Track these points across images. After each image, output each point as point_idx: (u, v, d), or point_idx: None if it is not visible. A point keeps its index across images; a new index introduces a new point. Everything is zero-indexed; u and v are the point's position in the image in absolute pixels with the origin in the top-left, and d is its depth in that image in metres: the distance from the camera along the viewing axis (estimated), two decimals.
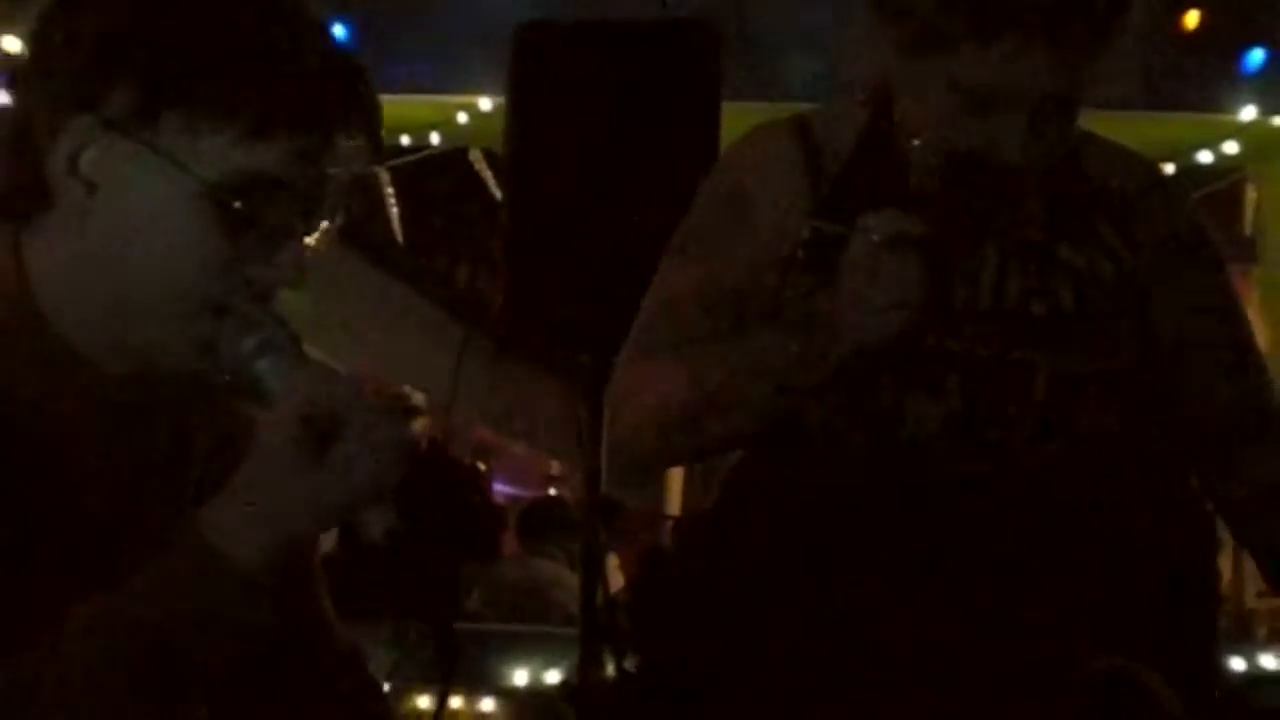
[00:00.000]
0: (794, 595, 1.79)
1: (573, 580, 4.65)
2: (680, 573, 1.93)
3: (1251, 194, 5.88)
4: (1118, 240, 1.86)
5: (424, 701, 3.90)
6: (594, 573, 3.40)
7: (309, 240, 1.31)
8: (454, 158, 5.54)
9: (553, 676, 4.49)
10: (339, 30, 5.34)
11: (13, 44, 5.63)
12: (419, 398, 4.54)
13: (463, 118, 5.34)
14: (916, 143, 1.74)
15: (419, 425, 4.50)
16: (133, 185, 1.25)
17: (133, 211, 1.26)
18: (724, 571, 1.84)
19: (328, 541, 1.64)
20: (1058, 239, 1.83)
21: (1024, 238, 1.82)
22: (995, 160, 1.72)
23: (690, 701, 1.83)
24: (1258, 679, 4.71)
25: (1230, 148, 5.62)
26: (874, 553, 1.77)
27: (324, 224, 1.33)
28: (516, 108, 3.38)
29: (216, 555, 1.18)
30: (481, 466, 9.25)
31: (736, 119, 3.60)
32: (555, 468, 12.42)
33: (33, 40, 1.30)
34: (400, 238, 6.32)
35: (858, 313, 1.66)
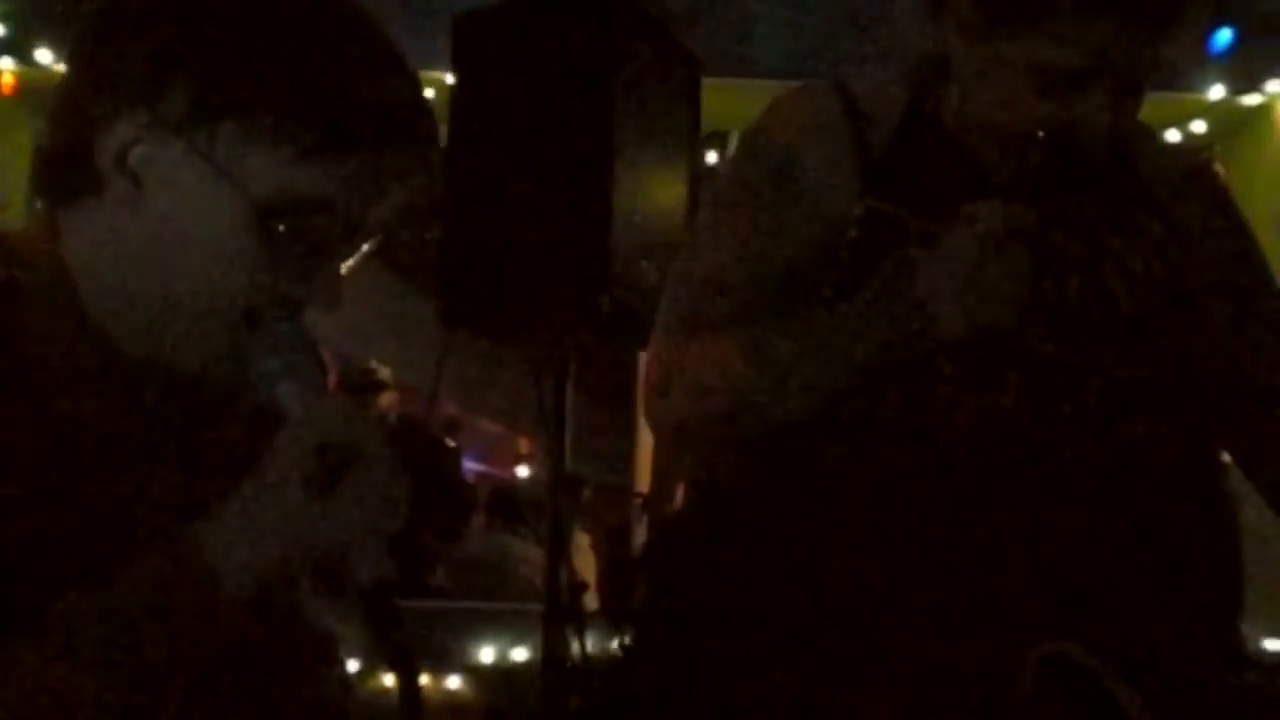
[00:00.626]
0: (815, 573, 1.72)
1: (537, 555, 4.64)
2: (696, 541, 1.85)
3: (1220, 172, 5.89)
4: (1165, 235, 1.81)
5: (390, 680, 3.89)
6: (559, 549, 3.40)
7: (348, 262, 1.31)
8: None
9: (520, 654, 4.48)
10: None
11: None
12: (385, 372, 4.56)
13: (430, 94, 5.31)
14: (1041, 134, 1.69)
15: (386, 399, 4.51)
16: (179, 188, 1.24)
17: (177, 214, 1.25)
18: (743, 545, 1.76)
19: None
20: (1110, 234, 1.79)
21: (1081, 228, 1.78)
22: (1078, 143, 1.68)
23: (699, 675, 1.75)
24: None
25: (1198, 126, 5.64)
26: (904, 540, 1.70)
27: (365, 247, 1.32)
28: (457, 94, 3.42)
29: (205, 568, 1.17)
30: (450, 443, 9.24)
31: (711, 97, 3.64)
32: (524, 445, 12.40)
33: (99, 19, 1.28)
34: None
35: (960, 303, 1.61)
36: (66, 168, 1.27)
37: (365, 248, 1.31)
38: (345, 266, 1.31)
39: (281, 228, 1.24)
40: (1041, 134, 1.68)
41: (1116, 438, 1.73)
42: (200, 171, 1.23)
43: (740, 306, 1.75)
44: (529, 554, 5.49)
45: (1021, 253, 1.61)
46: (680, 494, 5.39)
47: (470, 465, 11.56)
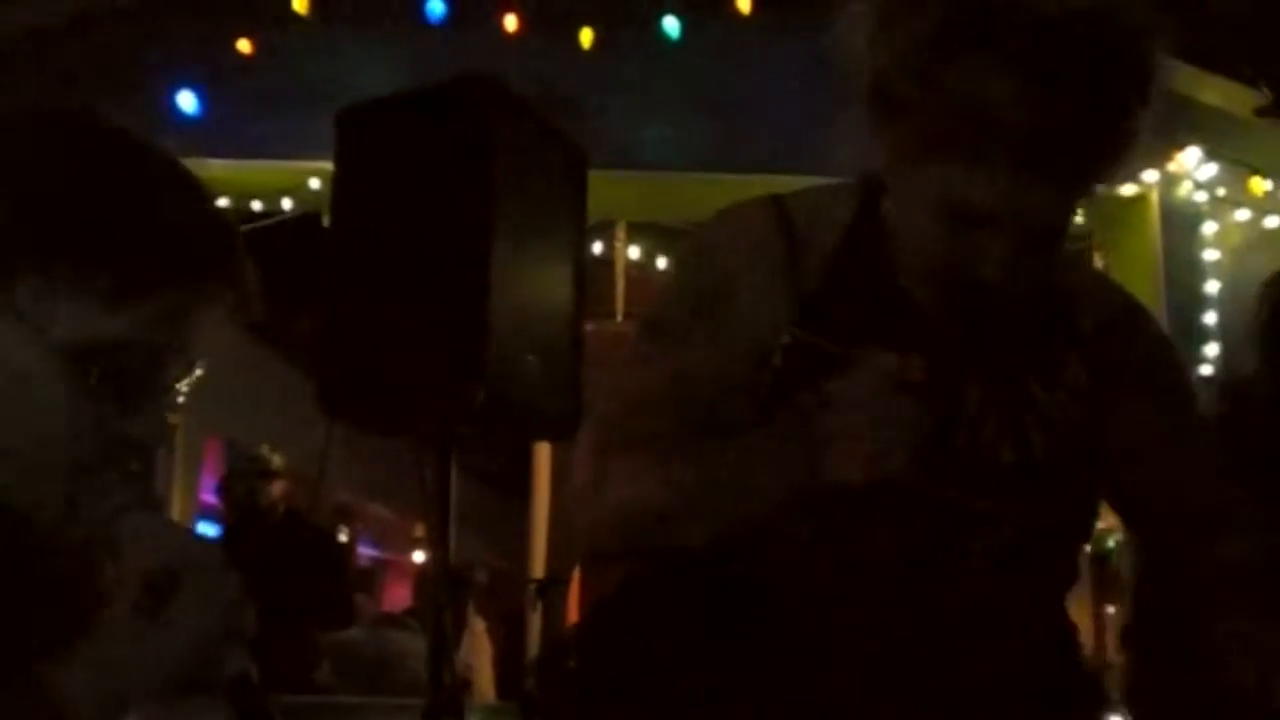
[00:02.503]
0: (718, 698, 1.71)
1: (424, 649, 4.59)
2: (591, 663, 1.86)
3: (1097, 261, 6.00)
4: (1084, 376, 1.81)
5: None
6: (443, 641, 3.37)
7: (179, 386, 1.31)
8: (306, 222, 5.51)
9: None
10: (189, 98, 5.31)
11: None
12: (277, 460, 4.52)
13: (315, 182, 5.32)
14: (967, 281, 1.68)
15: (277, 488, 4.46)
16: None
17: None
18: (641, 668, 1.75)
19: None
20: (1029, 375, 1.79)
21: (1001, 373, 1.78)
22: (974, 280, 1.66)
23: None
24: None
25: (1076, 217, 5.73)
26: (813, 661, 1.72)
27: (190, 376, 1.32)
28: (338, 185, 3.43)
29: (54, 709, 1.17)
30: (344, 529, 9.15)
31: (596, 187, 3.67)
32: (420, 529, 12.30)
33: None
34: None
35: (848, 451, 1.59)
36: None
37: (191, 375, 1.32)
38: (172, 395, 1.31)
39: (95, 372, 1.24)
40: (942, 270, 1.69)
41: (1022, 582, 1.77)
42: (7, 329, 1.23)
43: (662, 428, 1.75)
44: (415, 647, 5.43)
45: (911, 404, 1.58)
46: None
47: (366, 550, 11.44)
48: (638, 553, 1.81)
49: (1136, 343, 1.87)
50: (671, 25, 5.41)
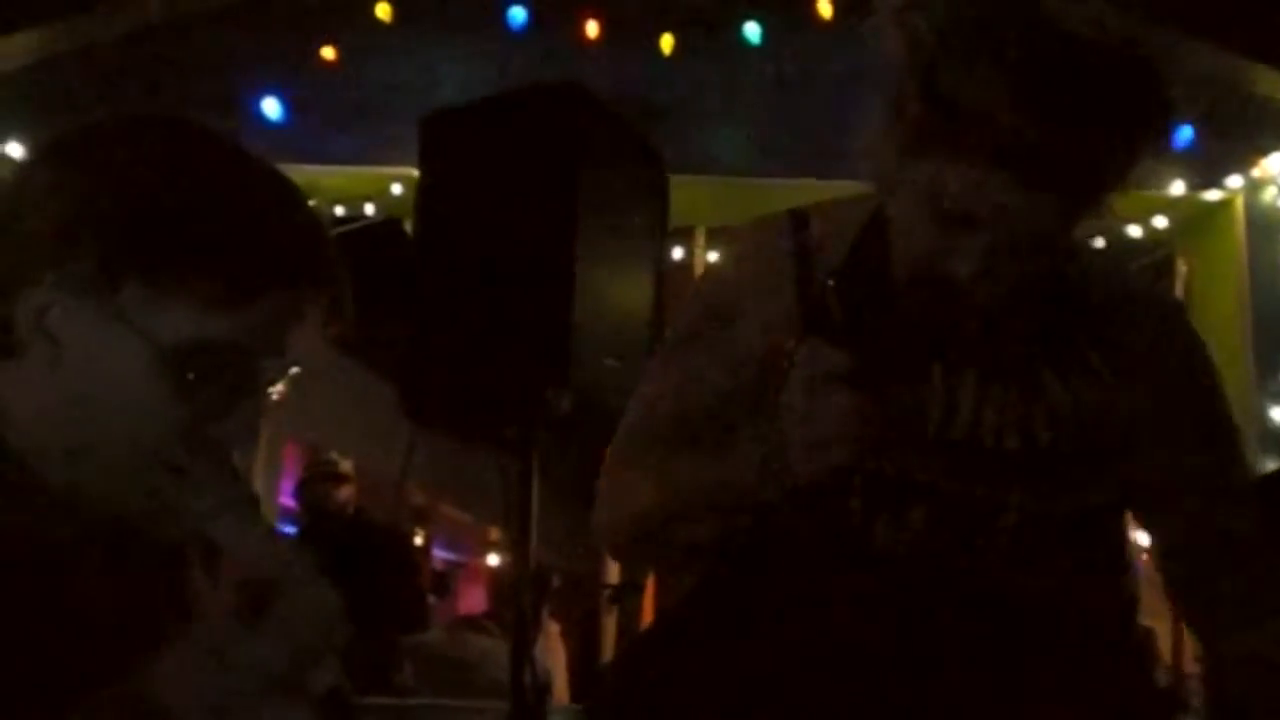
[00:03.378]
0: (762, 701, 1.75)
1: (503, 652, 4.61)
2: (650, 671, 1.88)
3: (1181, 267, 5.94)
4: (1105, 368, 1.81)
5: None
6: (525, 646, 3.38)
7: (271, 391, 1.34)
8: (388, 227, 5.55)
9: None
10: (273, 105, 5.36)
11: None
12: (346, 465, 4.54)
13: (397, 189, 5.35)
14: (830, 283, 1.73)
15: (345, 492, 4.50)
16: (94, 345, 1.28)
17: (94, 371, 1.28)
18: (692, 673, 1.80)
19: None
20: (1043, 365, 1.80)
21: (1007, 363, 1.79)
22: (946, 278, 1.68)
23: None
24: None
25: (1160, 222, 5.68)
26: (839, 660, 1.73)
27: (284, 378, 1.35)
28: (423, 192, 3.46)
29: (160, 710, 1.20)
30: (419, 532, 9.20)
31: (676, 192, 3.68)
32: (495, 533, 12.34)
33: (8, 193, 1.32)
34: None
35: (794, 448, 1.64)
36: None
37: (284, 379, 1.35)
38: (265, 398, 1.34)
39: (191, 375, 1.27)
40: (911, 268, 1.71)
41: (1034, 563, 1.77)
42: (112, 328, 1.27)
43: (666, 438, 1.84)
44: (495, 650, 5.45)
45: (842, 396, 1.61)
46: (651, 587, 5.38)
47: (440, 554, 11.49)
48: (650, 558, 1.98)
49: (1145, 328, 1.86)
50: (752, 30, 5.41)
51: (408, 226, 5.35)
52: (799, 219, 1.87)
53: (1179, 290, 5.98)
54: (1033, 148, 1.56)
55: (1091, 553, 1.83)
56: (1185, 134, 5.39)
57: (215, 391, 1.29)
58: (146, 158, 1.31)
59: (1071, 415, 1.78)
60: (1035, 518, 1.76)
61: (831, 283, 1.80)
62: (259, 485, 8.73)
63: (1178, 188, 5.52)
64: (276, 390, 1.36)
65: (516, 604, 3.43)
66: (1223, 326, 5.63)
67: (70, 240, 1.26)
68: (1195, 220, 5.70)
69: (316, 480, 6.64)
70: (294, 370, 1.35)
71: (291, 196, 1.35)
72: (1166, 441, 1.85)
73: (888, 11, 1.66)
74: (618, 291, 3.38)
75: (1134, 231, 5.73)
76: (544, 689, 3.29)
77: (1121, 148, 1.63)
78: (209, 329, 1.27)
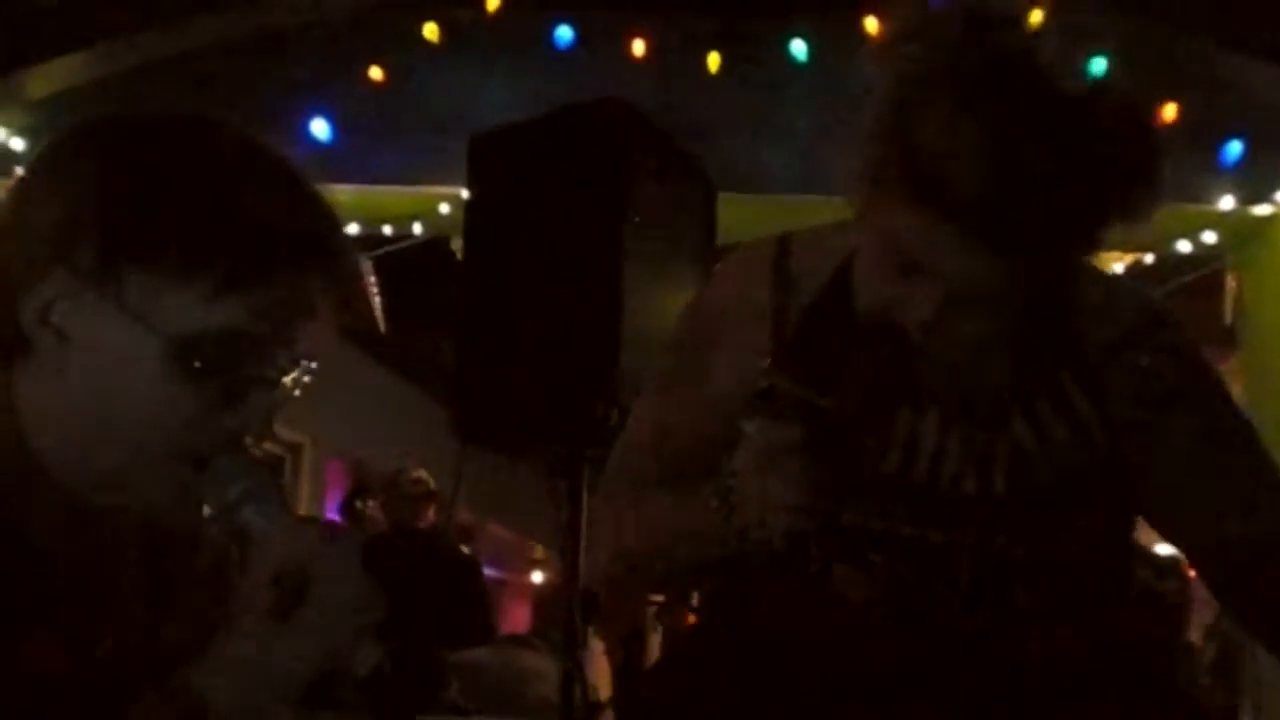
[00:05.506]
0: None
1: (552, 670, 4.61)
2: (661, 690, 1.90)
3: (1231, 283, 5.91)
4: (1085, 403, 1.77)
5: None
6: (573, 664, 3.38)
7: (286, 380, 1.33)
8: (435, 246, 5.57)
9: None
10: (321, 125, 5.39)
11: None
12: (431, 482, 4.50)
13: (445, 208, 5.38)
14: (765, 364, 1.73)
15: (432, 511, 4.50)
16: (101, 338, 1.28)
17: (102, 363, 1.28)
18: (697, 697, 1.81)
19: None
20: (1013, 407, 1.76)
21: (973, 407, 1.75)
22: (901, 326, 1.64)
23: None
24: None
25: (1209, 237, 5.66)
26: (814, 695, 1.74)
27: (297, 371, 1.34)
28: (472, 211, 3.47)
29: (207, 715, 1.21)
30: (464, 549, 9.23)
31: (723, 210, 3.68)
32: (539, 551, 12.36)
33: (10, 194, 1.33)
34: (383, 325, 6.35)
35: (746, 512, 1.66)
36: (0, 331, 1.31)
37: (299, 370, 1.35)
38: (282, 390, 1.34)
39: (198, 364, 1.27)
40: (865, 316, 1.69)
41: (995, 607, 1.74)
42: (116, 319, 1.27)
43: (646, 477, 1.85)
44: (541, 667, 5.45)
45: (791, 468, 1.61)
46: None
47: (485, 571, 11.52)
48: (639, 586, 1.94)
49: (1155, 357, 1.79)
50: (799, 48, 5.41)
51: (455, 246, 5.38)
52: (783, 248, 1.84)
53: (1228, 305, 5.96)
54: (990, 207, 1.50)
55: (1074, 590, 1.77)
56: (1235, 149, 5.37)
57: (226, 382, 1.29)
58: (145, 148, 1.31)
59: (1037, 461, 1.74)
60: (993, 563, 1.73)
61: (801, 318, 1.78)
62: (304, 502, 8.79)
63: (1227, 202, 5.48)
64: (292, 384, 1.35)
65: (566, 622, 3.43)
66: (1272, 341, 5.60)
67: (71, 234, 1.27)
68: (1245, 235, 5.67)
69: (404, 497, 6.64)
70: (311, 364, 1.36)
71: (296, 183, 1.34)
72: (1173, 458, 1.79)
73: (873, 44, 1.63)
74: (665, 309, 3.38)
75: (1183, 247, 5.70)
76: (595, 707, 3.28)
77: (1091, 216, 1.57)
78: (215, 317, 1.27)
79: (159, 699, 1.21)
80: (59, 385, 1.29)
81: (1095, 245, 1.61)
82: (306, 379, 1.36)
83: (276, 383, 1.33)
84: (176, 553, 1.40)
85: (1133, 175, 1.56)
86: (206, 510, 1.32)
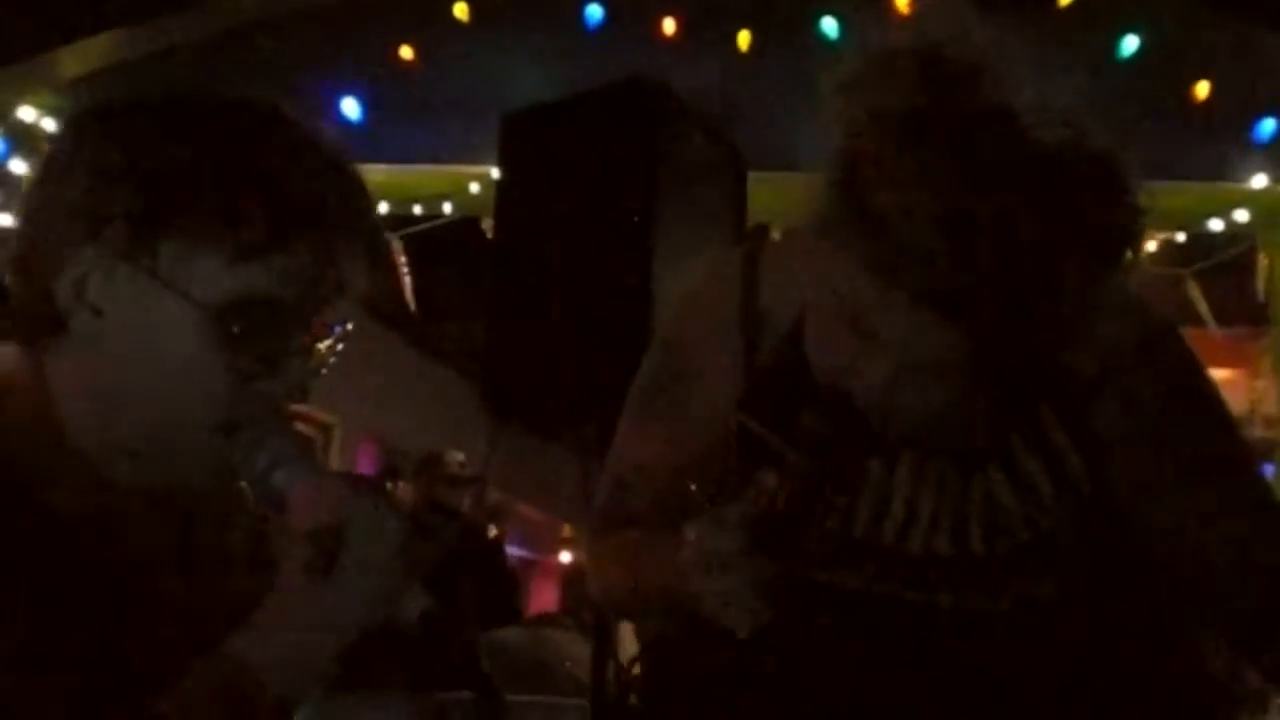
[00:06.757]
0: None
1: (582, 650, 4.62)
2: (682, 669, 1.85)
3: (1263, 260, 5.89)
4: (1067, 440, 1.66)
5: None
6: (605, 643, 3.38)
7: (320, 347, 1.33)
8: (466, 226, 5.58)
9: None
10: (352, 105, 5.40)
11: (27, 113, 5.71)
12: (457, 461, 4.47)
13: (475, 187, 5.38)
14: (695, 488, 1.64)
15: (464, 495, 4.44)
16: (135, 309, 1.28)
17: (138, 335, 1.28)
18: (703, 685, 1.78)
19: None
20: (988, 454, 1.66)
21: (944, 460, 1.66)
22: (856, 398, 1.56)
23: None
24: None
25: (1241, 215, 5.63)
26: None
27: (331, 339, 1.34)
28: (503, 190, 3.46)
29: (256, 682, 1.21)
30: (494, 530, 9.25)
31: (753, 190, 3.68)
32: (568, 530, 12.37)
33: (38, 172, 1.33)
34: (412, 305, 6.37)
35: (704, 605, 1.56)
36: (33, 310, 1.31)
37: (335, 336, 1.35)
38: (317, 356, 1.34)
39: (236, 330, 1.27)
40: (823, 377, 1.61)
41: (976, 660, 1.67)
42: (150, 290, 1.27)
43: (631, 511, 1.79)
44: (571, 647, 5.46)
45: (739, 568, 1.52)
46: None
47: (512, 550, 11.53)
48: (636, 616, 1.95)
49: (1148, 380, 1.67)
50: (830, 26, 5.39)
51: (485, 225, 5.39)
52: (750, 276, 1.73)
53: (1261, 282, 5.93)
54: (947, 277, 1.38)
55: (1066, 635, 1.69)
56: (1268, 127, 5.34)
57: (262, 347, 1.29)
58: (174, 119, 1.31)
59: (1014, 513, 1.66)
60: (970, 618, 1.66)
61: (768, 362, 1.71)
62: None
63: (1259, 180, 5.46)
64: (328, 349, 1.35)
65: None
66: None
67: (101, 206, 1.27)
68: (1276, 213, 5.63)
69: (444, 477, 6.64)
70: (348, 326, 1.36)
71: (321, 152, 1.34)
72: (1164, 488, 1.67)
73: (828, 88, 1.49)
74: None
75: (1215, 225, 5.68)
76: (625, 686, 3.28)
77: (1056, 285, 1.43)
78: (246, 281, 1.27)
79: (203, 666, 1.21)
80: (93, 361, 1.29)
81: (1067, 311, 1.47)
82: (341, 346, 1.36)
83: (310, 350, 1.33)
84: (210, 524, 1.40)
85: (1108, 237, 1.45)
86: (239, 475, 1.32)
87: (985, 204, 1.37)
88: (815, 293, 1.60)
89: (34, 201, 1.32)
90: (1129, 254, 1.46)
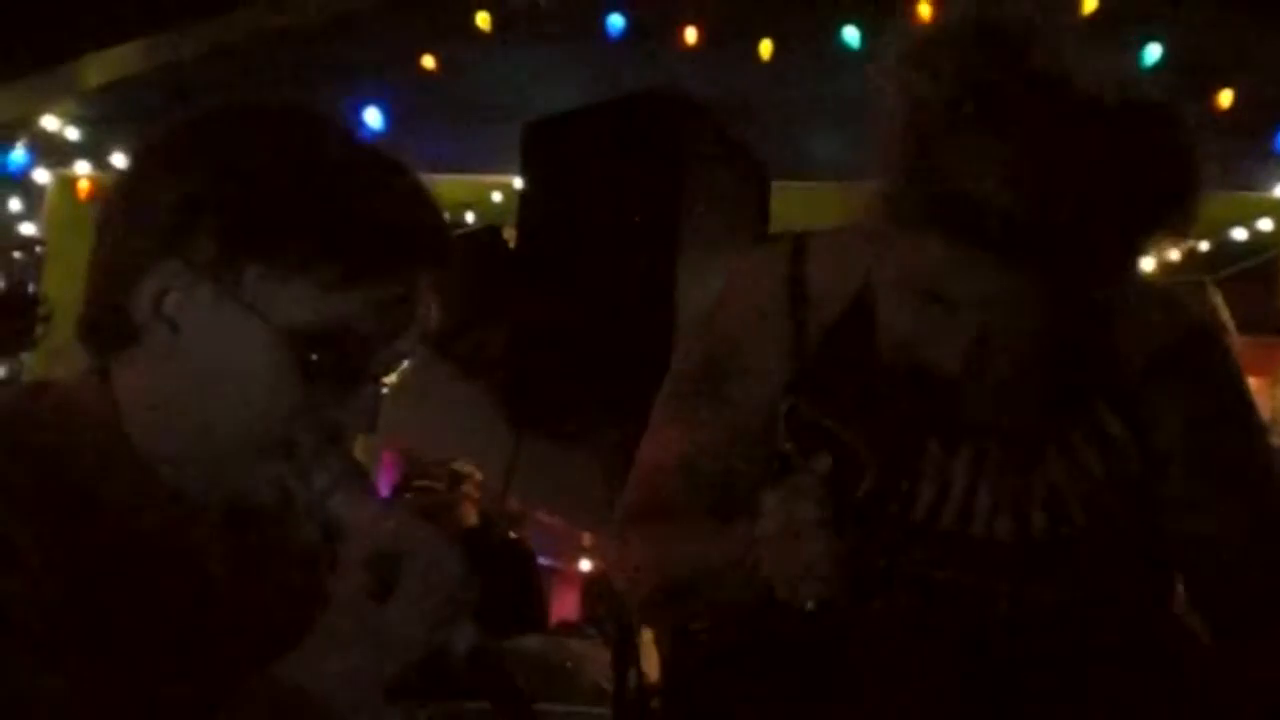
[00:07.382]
0: None
1: (604, 658, 4.62)
2: (709, 675, 1.87)
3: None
4: (1123, 431, 1.69)
5: None
6: (626, 653, 3.39)
7: (387, 379, 1.34)
8: (489, 234, 5.59)
9: None
10: (374, 114, 5.42)
11: (51, 122, 5.74)
12: (471, 469, 4.52)
13: (497, 196, 5.39)
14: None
15: (471, 500, 4.50)
16: (213, 329, 1.28)
17: (212, 354, 1.29)
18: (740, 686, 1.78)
19: None
20: (1046, 440, 1.68)
21: (1006, 442, 1.68)
22: (928, 369, 1.57)
23: None
24: None
25: (1265, 225, 5.62)
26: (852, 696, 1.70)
27: (399, 366, 1.35)
28: (525, 199, 3.48)
29: (314, 706, 1.21)
30: (513, 536, 9.25)
31: (776, 198, 3.68)
32: (588, 538, 12.35)
33: (125, 181, 1.34)
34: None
35: (772, 578, 1.58)
36: (107, 320, 1.31)
37: (399, 369, 1.35)
38: (381, 385, 1.35)
39: (314, 357, 1.27)
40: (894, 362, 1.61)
41: (1031, 647, 1.67)
42: (231, 311, 1.27)
43: (674, 500, 1.77)
44: (595, 655, 5.46)
45: (817, 540, 1.54)
46: None
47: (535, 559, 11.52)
48: (671, 617, 1.91)
49: (1190, 380, 1.71)
50: (851, 34, 5.39)
51: (508, 234, 5.40)
52: (797, 260, 1.75)
53: None
54: (1025, 231, 1.43)
55: (1116, 633, 1.70)
56: None
57: (335, 375, 1.29)
58: (261, 141, 1.31)
59: (1073, 498, 1.67)
60: (1029, 606, 1.67)
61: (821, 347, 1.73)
62: None
63: None
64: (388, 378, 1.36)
65: (618, 611, 3.43)
66: None
67: (188, 226, 1.26)
68: None
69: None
70: (406, 360, 1.36)
71: (413, 183, 1.34)
72: (1197, 494, 1.70)
73: (889, 64, 1.51)
74: None
75: (1238, 234, 5.66)
76: (647, 694, 3.28)
77: (1132, 234, 1.51)
78: (329, 311, 1.27)
79: (254, 689, 1.21)
80: (165, 376, 1.30)
81: (1136, 262, 1.56)
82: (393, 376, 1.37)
83: (381, 379, 1.34)
84: (266, 544, 1.40)
85: (1174, 189, 1.49)
86: (298, 498, 1.32)
87: (1058, 158, 1.42)
88: (882, 271, 1.61)
89: (114, 209, 1.32)
90: (1192, 207, 1.50)
